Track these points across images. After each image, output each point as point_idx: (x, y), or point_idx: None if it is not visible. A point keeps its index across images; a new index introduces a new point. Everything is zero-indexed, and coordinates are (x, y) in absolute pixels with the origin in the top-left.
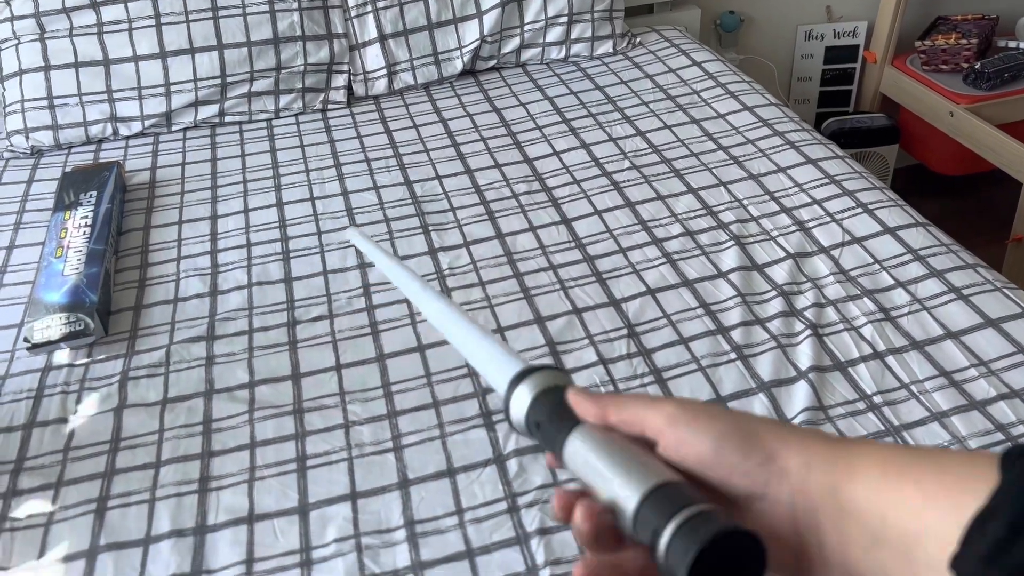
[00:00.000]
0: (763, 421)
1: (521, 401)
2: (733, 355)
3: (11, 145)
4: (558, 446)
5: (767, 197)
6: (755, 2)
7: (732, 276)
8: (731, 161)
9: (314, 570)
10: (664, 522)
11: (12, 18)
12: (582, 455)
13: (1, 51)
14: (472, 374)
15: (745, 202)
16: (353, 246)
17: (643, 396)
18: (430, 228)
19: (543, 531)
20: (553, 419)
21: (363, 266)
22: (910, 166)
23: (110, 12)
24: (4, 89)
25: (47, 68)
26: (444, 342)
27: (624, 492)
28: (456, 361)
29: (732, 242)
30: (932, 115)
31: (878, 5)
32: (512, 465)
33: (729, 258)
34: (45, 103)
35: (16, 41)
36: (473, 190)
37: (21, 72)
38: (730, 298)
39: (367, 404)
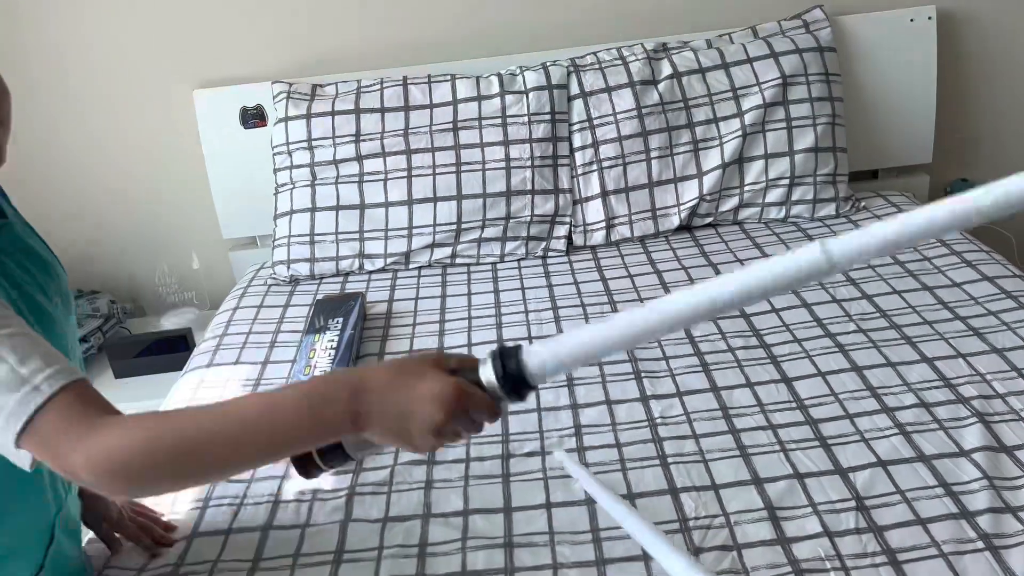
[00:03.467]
0: None
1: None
2: (980, 544)
3: (274, 273)
4: None
5: (1015, 374)
6: (991, 170)
7: (976, 456)
8: (970, 332)
9: None
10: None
11: (291, 167)
12: None
13: (279, 194)
14: (684, 530)
15: (988, 377)
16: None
17: None
18: (643, 375)
19: None
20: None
21: (575, 406)
22: None
23: (371, 164)
24: (276, 225)
25: (313, 210)
26: (654, 492)
27: None
28: (667, 515)
29: (975, 418)
30: None
31: None
32: None
33: (972, 436)
34: (307, 239)
35: (292, 186)
36: (687, 341)
37: (292, 212)
38: (975, 480)
39: (575, 547)
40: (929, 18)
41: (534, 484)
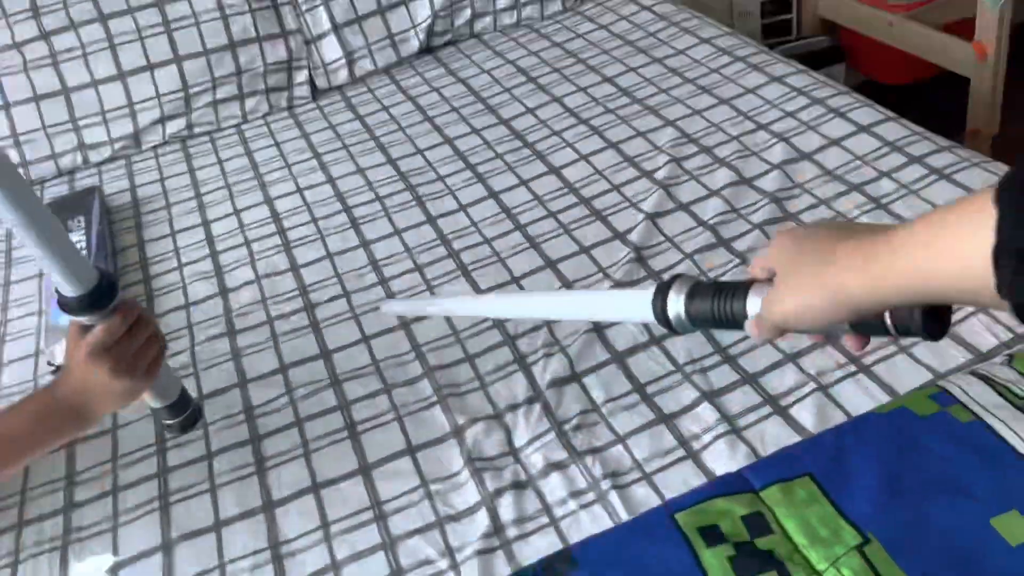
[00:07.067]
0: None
1: (677, 304)
2: (737, 261)
3: None
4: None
5: (742, 117)
6: None
7: (724, 192)
8: (700, 91)
9: (390, 522)
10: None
11: None
12: None
13: None
14: (499, 324)
15: (723, 125)
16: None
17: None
18: (423, 199)
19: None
20: (724, 297)
21: (367, 244)
22: (860, 83)
23: (61, 41)
24: None
25: (7, 106)
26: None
27: None
28: (486, 324)
29: (717, 164)
30: (872, 29)
31: None
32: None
33: (719, 177)
34: (11, 141)
35: None
36: (457, 158)
37: None
38: (724, 212)
39: (403, 367)
40: None
41: (346, 324)
